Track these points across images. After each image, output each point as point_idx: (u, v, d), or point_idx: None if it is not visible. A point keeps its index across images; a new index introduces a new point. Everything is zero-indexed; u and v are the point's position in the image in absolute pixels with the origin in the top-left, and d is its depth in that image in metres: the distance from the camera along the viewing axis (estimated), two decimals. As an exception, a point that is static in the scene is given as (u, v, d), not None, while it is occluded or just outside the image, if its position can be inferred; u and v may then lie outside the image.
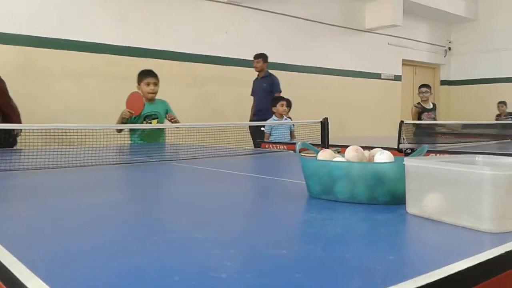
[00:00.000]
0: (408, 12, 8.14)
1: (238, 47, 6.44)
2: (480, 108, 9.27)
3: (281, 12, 6.89)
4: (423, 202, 0.91)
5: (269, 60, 6.76)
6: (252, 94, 5.96)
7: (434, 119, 6.07)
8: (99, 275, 0.61)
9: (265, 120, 5.09)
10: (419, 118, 5.89)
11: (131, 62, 5.40)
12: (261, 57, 5.83)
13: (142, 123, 3.71)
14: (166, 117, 3.83)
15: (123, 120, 3.59)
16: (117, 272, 0.62)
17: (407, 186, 0.96)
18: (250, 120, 5.66)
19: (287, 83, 6.85)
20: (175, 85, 5.79)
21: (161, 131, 3.79)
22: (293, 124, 4.94)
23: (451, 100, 10.15)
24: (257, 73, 5.92)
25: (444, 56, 10.14)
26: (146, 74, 3.88)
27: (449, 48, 10.15)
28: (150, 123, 3.74)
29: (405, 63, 9.30)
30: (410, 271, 0.62)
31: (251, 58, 6.56)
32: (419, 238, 0.85)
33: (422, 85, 6.32)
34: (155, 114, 3.77)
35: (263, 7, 6.72)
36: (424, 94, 6.08)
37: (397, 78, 9.04)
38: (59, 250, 0.74)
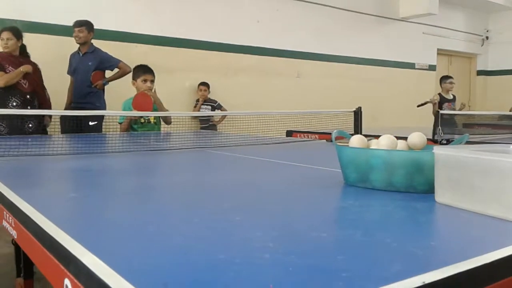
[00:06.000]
0: (443, 0, 7.93)
1: (270, 36, 6.42)
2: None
3: (313, 1, 6.82)
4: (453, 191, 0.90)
5: (301, 49, 6.73)
6: (70, 73, 4.51)
7: (454, 109, 6.06)
8: (148, 251, 0.64)
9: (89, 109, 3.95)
10: (440, 108, 5.89)
11: (165, 52, 5.47)
12: (85, 25, 4.32)
13: (139, 120, 3.61)
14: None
15: (131, 122, 3.56)
16: (165, 249, 0.64)
17: (436, 175, 0.95)
18: (67, 108, 4.36)
19: (319, 73, 6.82)
20: (208, 75, 5.83)
21: (157, 125, 3.73)
22: None
23: (488, 90, 9.85)
24: (77, 47, 4.42)
25: (481, 46, 9.83)
26: (143, 71, 3.72)
27: (487, 37, 9.83)
28: (148, 120, 3.64)
29: (440, 52, 9.06)
30: (449, 257, 0.62)
31: (284, 48, 6.53)
32: (455, 226, 0.85)
33: (449, 76, 6.38)
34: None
35: (295, -4, 6.67)
36: (453, 85, 6.19)
37: (432, 68, 8.83)
38: (108, 228, 0.78)
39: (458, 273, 0.55)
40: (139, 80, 3.67)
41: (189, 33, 5.73)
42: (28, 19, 4.61)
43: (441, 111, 3.32)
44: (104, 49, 4.48)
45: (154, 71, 3.81)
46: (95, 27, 4.46)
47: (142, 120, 3.63)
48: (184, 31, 5.70)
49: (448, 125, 3.77)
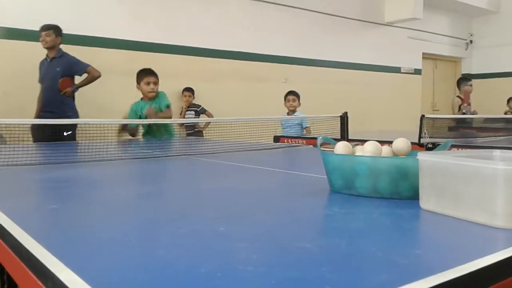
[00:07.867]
0: (428, 5, 8.01)
1: (255, 41, 6.42)
2: (502, 102, 9.09)
3: (299, 6, 6.84)
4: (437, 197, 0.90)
5: (288, 54, 6.75)
6: (40, 81, 4.35)
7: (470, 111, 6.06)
8: (128, 266, 0.62)
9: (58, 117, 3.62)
10: (459, 110, 5.88)
11: (148, 58, 5.43)
12: (53, 28, 4.18)
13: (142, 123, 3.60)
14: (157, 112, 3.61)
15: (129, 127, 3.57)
16: (146, 263, 0.63)
17: (420, 181, 0.95)
18: (36, 117, 4.11)
19: (306, 78, 6.84)
20: (194, 81, 5.82)
21: (166, 127, 3.70)
22: (306, 120, 4.89)
23: (473, 93, 9.98)
24: (45, 53, 4.30)
25: (466, 49, 9.96)
26: (146, 73, 3.72)
27: (471, 41, 9.97)
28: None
29: (426, 56, 9.16)
30: (435, 266, 0.61)
31: (269, 53, 6.54)
32: (440, 234, 0.84)
33: (468, 78, 6.29)
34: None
35: (280, 1, 6.68)
36: (472, 87, 6.14)
37: (417, 71, 8.92)
38: (88, 242, 0.76)
39: (444, 282, 0.54)
40: (142, 83, 3.67)
41: (175, 39, 5.72)
42: (8, 25, 4.54)
43: (427, 115, 3.34)
44: (88, 56, 4.43)
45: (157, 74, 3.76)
46: (79, 33, 4.42)
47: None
48: (170, 37, 5.68)
49: (435, 127, 3.79)
